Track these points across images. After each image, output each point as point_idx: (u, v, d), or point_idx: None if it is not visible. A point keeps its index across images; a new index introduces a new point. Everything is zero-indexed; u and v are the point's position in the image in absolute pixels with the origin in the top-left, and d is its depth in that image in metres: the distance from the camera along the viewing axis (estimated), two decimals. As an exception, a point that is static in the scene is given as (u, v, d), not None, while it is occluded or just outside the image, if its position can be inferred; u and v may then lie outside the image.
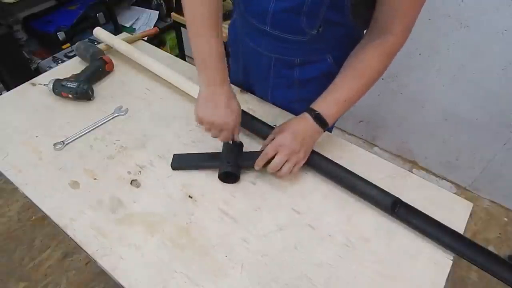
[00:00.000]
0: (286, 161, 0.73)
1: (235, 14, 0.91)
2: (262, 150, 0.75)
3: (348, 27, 0.75)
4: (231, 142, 0.79)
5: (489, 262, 0.64)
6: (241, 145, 0.81)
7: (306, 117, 0.74)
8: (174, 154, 0.81)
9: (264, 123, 0.85)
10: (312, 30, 0.74)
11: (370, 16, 0.73)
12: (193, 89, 0.93)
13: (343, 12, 0.70)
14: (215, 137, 0.77)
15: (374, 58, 0.72)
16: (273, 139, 0.75)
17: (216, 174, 0.78)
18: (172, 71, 0.98)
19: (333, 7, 0.68)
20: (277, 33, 0.77)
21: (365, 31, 0.76)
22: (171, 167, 0.80)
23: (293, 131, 0.73)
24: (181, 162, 0.80)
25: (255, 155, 0.76)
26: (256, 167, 0.75)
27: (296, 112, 0.83)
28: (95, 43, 1.12)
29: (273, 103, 0.96)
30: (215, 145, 0.84)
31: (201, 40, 0.70)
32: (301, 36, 0.76)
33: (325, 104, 0.74)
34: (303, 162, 0.75)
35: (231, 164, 0.75)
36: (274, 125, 0.80)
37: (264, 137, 0.81)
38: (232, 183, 0.78)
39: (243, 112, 0.82)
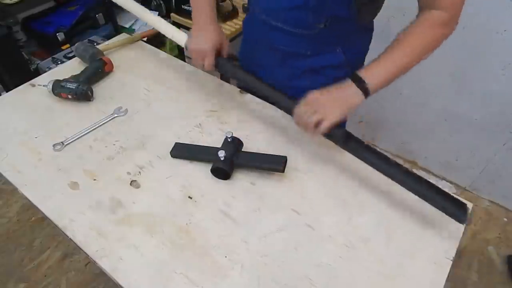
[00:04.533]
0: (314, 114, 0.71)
1: (249, 12, 0.97)
2: (260, 153, 0.76)
3: (355, 21, 0.78)
4: (230, 139, 0.79)
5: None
6: (240, 143, 0.81)
7: (347, 81, 0.73)
8: (176, 143, 0.83)
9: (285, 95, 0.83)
10: (320, 24, 0.78)
11: (376, 8, 0.77)
12: (181, 36, 0.96)
13: (348, 6, 0.74)
14: (201, 67, 0.89)
15: (422, 30, 0.72)
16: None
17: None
18: (160, 19, 1.02)
19: (338, 2, 0.72)
20: (289, 28, 0.82)
21: (373, 21, 0.80)
22: (171, 154, 0.82)
23: (326, 90, 0.73)
24: (181, 151, 0.82)
25: (253, 156, 0.76)
26: (297, 125, 0.75)
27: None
28: (95, 44, 1.12)
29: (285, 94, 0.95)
30: (215, 144, 0.84)
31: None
32: (311, 30, 0.80)
33: (369, 71, 0.73)
34: (331, 119, 0.71)
35: (224, 161, 0.76)
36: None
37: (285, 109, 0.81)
38: (224, 179, 0.78)
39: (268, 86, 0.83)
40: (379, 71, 0.73)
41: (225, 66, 0.89)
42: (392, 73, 0.73)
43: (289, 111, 0.78)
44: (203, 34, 0.87)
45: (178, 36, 0.96)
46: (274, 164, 0.77)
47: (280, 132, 0.87)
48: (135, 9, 1.06)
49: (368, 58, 0.87)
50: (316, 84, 0.78)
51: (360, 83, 0.72)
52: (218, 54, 0.88)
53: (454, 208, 0.67)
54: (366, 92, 0.72)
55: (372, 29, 0.88)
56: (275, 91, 0.82)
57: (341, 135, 0.74)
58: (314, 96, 0.73)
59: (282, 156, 0.77)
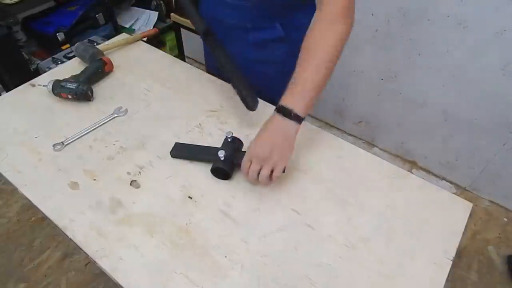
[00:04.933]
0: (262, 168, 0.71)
1: None
2: None
3: None
4: (230, 139, 0.79)
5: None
6: (240, 143, 0.81)
7: (275, 116, 0.72)
8: (176, 143, 0.83)
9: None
10: None
11: None
12: None
13: None
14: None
15: (321, 35, 0.73)
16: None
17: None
18: None
19: None
20: (230, 1, 0.88)
21: None
22: (170, 154, 0.82)
23: (261, 139, 0.72)
24: (181, 151, 0.82)
25: None
26: (245, 179, 0.76)
27: (256, 72, 0.95)
28: (95, 44, 1.12)
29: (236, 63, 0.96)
30: (215, 145, 0.84)
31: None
32: (246, 1, 0.86)
33: (293, 99, 0.71)
34: (281, 165, 0.71)
35: (224, 160, 0.75)
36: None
37: None
38: (224, 179, 0.78)
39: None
40: (302, 95, 0.71)
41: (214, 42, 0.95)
42: (314, 91, 0.71)
43: (244, 100, 0.88)
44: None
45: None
46: None
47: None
48: None
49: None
50: (264, 56, 0.93)
51: (291, 115, 0.70)
52: None
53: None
54: (299, 120, 0.71)
55: (313, 4, 0.78)
56: (239, 78, 0.90)
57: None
58: (252, 152, 0.72)
59: None
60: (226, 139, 0.80)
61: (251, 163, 0.72)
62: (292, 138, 0.72)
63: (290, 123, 0.70)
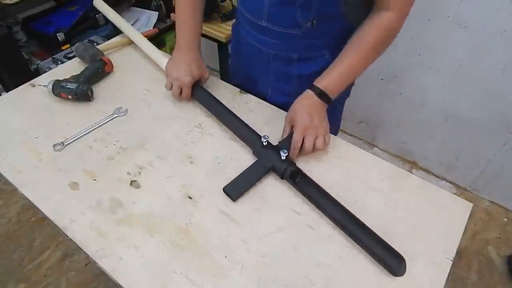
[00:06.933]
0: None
1: (237, 14, 0.96)
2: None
3: (342, 20, 0.78)
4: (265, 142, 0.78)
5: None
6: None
7: (309, 94, 0.79)
8: (223, 189, 0.75)
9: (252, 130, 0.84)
10: (307, 22, 0.78)
11: (363, 8, 0.77)
12: (161, 59, 1.02)
13: (336, 3, 0.74)
14: (175, 95, 0.91)
15: (370, 33, 0.76)
16: (290, 127, 0.81)
17: (215, 175, 0.78)
18: (146, 41, 1.08)
19: None
20: (274, 27, 0.82)
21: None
22: (232, 199, 0.74)
23: (302, 109, 0.78)
24: (238, 188, 0.75)
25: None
26: (294, 157, 0.79)
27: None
28: (95, 44, 1.12)
29: (272, 100, 0.97)
30: (215, 145, 0.85)
31: (181, 17, 0.92)
32: (297, 29, 0.80)
33: (326, 80, 0.78)
34: (324, 132, 0.78)
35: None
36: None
37: (250, 144, 0.83)
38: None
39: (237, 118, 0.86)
40: (335, 79, 0.78)
41: (201, 96, 0.93)
42: (348, 78, 0.79)
43: (252, 145, 0.82)
44: (184, 63, 0.89)
45: (159, 59, 1.02)
46: None
47: (280, 132, 0.87)
48: (126, 29, 1.12)
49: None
50: (300, 90, 0.82)
51: (321, 96, 0.78)
52: (195, 83, 0.92)
53: (390, 259, 0.63)
54: (328, 102, 0.79)
55: None
56: (241, 126, 0.84)
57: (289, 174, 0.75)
58: (300, 120, 0.77)
59: None
60: (261, 142, 0.79)
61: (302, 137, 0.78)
62: (324, 113, 0.80)
63: (319, 102, 0.78)
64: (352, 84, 0.96)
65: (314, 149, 0.78)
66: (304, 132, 0.77)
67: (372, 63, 0.79)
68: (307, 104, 0.79)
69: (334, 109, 0.89)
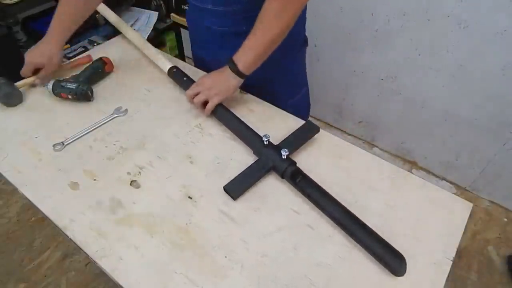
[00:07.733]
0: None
1: (189, 4, 1.02)
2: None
3: None
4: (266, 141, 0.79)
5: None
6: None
7: (226, 67, 0.86)
8: (224, 187, 0.75)
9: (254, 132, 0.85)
10: None
11: None
12: (165, 64, 1.03)
13: None
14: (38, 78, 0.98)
15: (272, 2, 0.78)
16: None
17: (215, 175, 0.78)
18: (148, 44, 1.09)
19: None
20: (220, 8, 0.89)
21: None
22: (233, 198, 0.75)
23: (208, 75, 0.89)
24: (239, 187, 0.75)
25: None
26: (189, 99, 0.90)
27: (251, 81, 0.91)
28: (95, 44, 1.12)
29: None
30: (215, 145, 0.85)
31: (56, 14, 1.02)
32: (237, 5, 0.87)
33: (240, 55, 0.84)
34: (216, 98, 0.86)
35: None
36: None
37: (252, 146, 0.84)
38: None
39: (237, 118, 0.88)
40: (247, 53, 0.82)
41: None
42: (261, 52, 0.82)
43: (253, 144, 0.83)
44: (39, 48, 1.02)
45: (163, 63, 1.03)
46: None
47: (280, 132, 0.87)
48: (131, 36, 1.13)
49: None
50: None
51: (234, 68, 0.83)
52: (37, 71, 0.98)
53: (391, 258, 0.63)
54: (240, 75, 0.84)
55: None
56: (241, 125, 0.86)
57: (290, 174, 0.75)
58: (202, 80, 0.89)
59: None
60: (262, 142, 0.79)
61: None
62: (231, 87, 0.87)
63: (234, 75, 0.85)
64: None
65: (206, 111, 0.87)
66: (200, 90, 0.87)
67: (282, 31, 0.80)
68: (218, 72, 0.88)
69: (293, 70, 1.01)
